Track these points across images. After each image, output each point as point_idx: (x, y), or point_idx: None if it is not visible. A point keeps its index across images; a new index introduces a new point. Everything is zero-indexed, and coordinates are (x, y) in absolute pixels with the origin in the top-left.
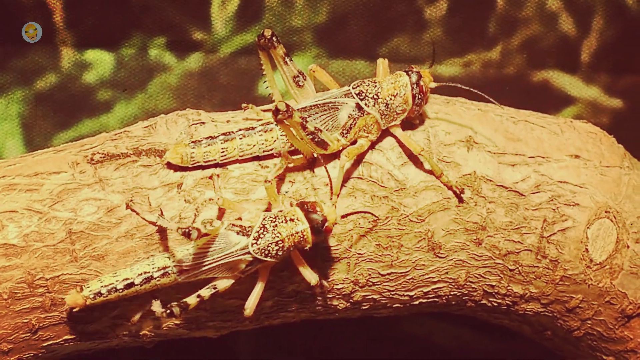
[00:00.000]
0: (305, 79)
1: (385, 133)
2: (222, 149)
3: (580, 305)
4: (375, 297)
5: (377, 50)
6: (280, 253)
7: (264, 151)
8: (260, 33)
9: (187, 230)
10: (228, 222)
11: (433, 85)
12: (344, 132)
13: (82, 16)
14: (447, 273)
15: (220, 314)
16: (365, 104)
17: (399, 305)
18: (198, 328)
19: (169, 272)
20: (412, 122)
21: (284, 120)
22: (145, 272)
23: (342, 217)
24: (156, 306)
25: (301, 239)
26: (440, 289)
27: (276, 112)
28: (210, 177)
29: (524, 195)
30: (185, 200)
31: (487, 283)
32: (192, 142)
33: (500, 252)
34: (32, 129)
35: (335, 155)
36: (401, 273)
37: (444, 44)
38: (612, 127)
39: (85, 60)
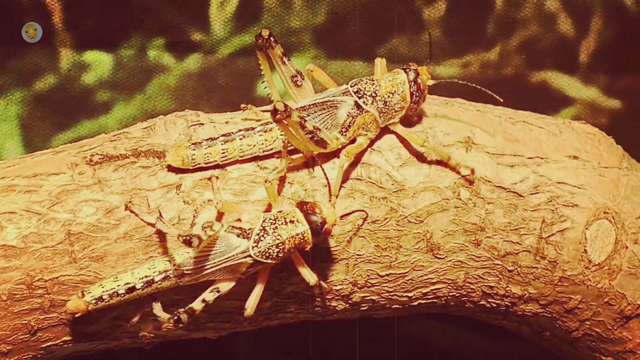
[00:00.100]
0: (303, 79)
1: (385, 131)
2: (223, 150)
3: (578, 306)
4: (374, 298)
5: (375, 51)
6: (281, 255)
7: (264, 151)
8: (258, 33)
9: (188, 238)
10: (228, 225)
11: (431, 82)
12: (343, 130)
13: (81, 17)
14: (445, 274)
15: (218, 315)
16: (364, 102)
17: (397, 306)
18: (197, 329)
19: (170, 275)
20: (410, 119)
21: (283, 120)
22: (146, 276)
23: (341, 217)
24: (157, 309)
25: (301, 240)
26: (439, 289)
27: (274, 112)
28: (209, 179)
29: (523, 196)
30: (184, 201)
31: (486, 284)
32: (193, 144)
33: (499, 253)
34: (31, 130)
35: (335, 154)
36: (400, 274)
37: (443, 45)
38: (611, 128)
39: (84, 61)
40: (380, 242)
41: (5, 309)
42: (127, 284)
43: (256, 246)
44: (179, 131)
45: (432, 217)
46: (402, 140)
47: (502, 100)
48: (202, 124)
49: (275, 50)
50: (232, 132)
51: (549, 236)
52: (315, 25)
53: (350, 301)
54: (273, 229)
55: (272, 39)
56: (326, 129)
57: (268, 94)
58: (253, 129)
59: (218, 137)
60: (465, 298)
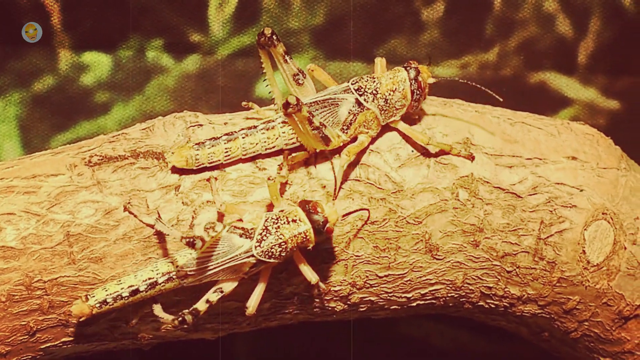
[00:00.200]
0: (305, 77)
1: (386, 129)
2: (226, 149)
3: (577, 307)
4: (372, 299)
5: (374, 52)
6: (283, 254)
7: (266, 149)
8: (261, 31)
9: (191, 240)
10: (230, 225)
11: (431, 81)
12: (344, 128)
13: (79, 18)
14: (444, 275)
15: (218, 316)
16: (365, 100)
17: (396, 307)
18: (196, 330)
19: (174, 277)
20: (411, 117)
21: (293, 114)
22: (149, 278)
23: (343, 216)
24: (158, 311)
25: (304, 239)
26: (438, 290)
27: (286, 105)
28: (208, 180)
29: (521, 197)
30: (182, 202)
31: (485, 285)
32: (196, 144)
33: (497, 254)
34: (29, 131)
35: (336, 152)
36: (399, 275)
37: (441, 46)
38: (609, 129)
39: (82, 62)
40: (379, 243)
41: (4, 310)
42: (131, 286)
43: (259, 246)
44: (178, 132)
45: (431, 218)
46: (405, 138)
47: (501, 99)
48: (201, 125)
49: (277, 49)
50: (235, 131)
51: (548, 237)
52: (313, 26)
53: (349, 302)
54: (275, 228)
55: (274, 37)
56: (328, 126)
57: (270, 92)
58: (255, 127)
59: (221, 137)
60: (463, 299)
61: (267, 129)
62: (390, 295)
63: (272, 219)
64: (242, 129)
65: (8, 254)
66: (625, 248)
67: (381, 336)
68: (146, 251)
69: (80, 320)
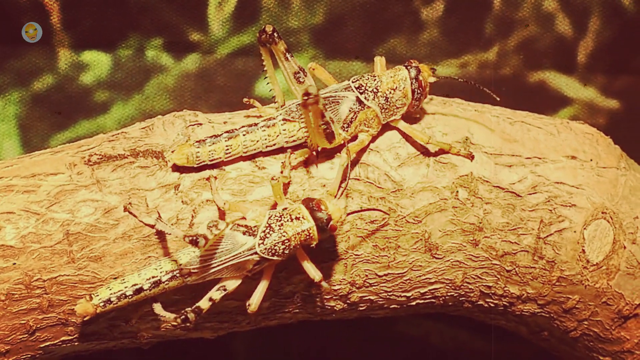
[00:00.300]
0: (306, 76)
1: (386, 128)
2: (227, 146)
3: (576, 306)
4: (372, 298)
5: (373, 51)
6: (287, 251)
7: (266, 146)
8: (262, 29)
9: (194, 238)
10: (233, 223)
11: (432, 80)
12: (345, 126)
13: (79, 17)
14: (444, 274)
15: (217, 315)
16: (365, 98)
17: (396, 306)
18: (195, 329)
19: (177, 275)
20: (412, 116)
21: (310, 106)
22: (153, 277)
23: (349, 213)
24: (158, 309)
25: (307, 237)
26: (437, 289)
27: (306, 95)
28: (208, 179)
29: (521, 196)
30: (182, 201)
31: (484, 284)
32: (197, 141)
33: (497, 253)
34: (29, 130)
35: (337, 150)
36: (398, 274)
37: (441, 45)
38: (609, 128)
39: (82, 62)
40: (378, 242)
41: (3, 308)
42: (135, 285)
43: (262, 243)
44: (178, 131)
45: (431, 217)
46: (405, 137)
47: (498, 99)
48: (201, 124)
49: (278, 46)
50: (236, 129)
51: (547, 236)
52: (313, 26)
53: (348, 301)
54: (279, 225)
55: (275, 34)
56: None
57: (270, 90)
58: (256, 124)
59: (222, 134)
60: (463, 298)
61: (268, 127)
62: (389, 294)
63: (275, 216)
64: (243, 127)
65: (7, 253)
66: (624, 247)
67: (380, 335)
68: (146, 250)
69: (85, 319)
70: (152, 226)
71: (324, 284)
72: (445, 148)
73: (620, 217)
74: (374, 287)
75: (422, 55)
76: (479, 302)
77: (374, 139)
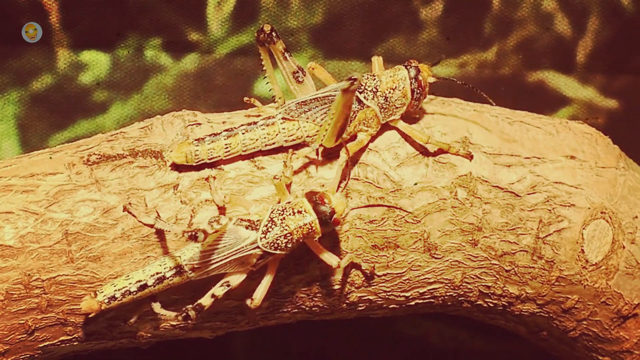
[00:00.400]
0: (304, 75)
1: (385, 128)
2: (226, 144)
3: (576, 306)
4: (371, 297)
5: (372, 51)
6: (289, 245)
7: (266, 145)
8: (260, 28)
9: (193, 233)
10: (237, 217)
11: (432, 80)
12: None
13: (78, 17)
14: (443, 274)
15: (216, 314)
16: (364, 97)
17: (395, 306)
18: (194, 329)
19: (181, 271)
20: (411, 116)
21: (351, 93)
22: (157, 273)
23: (352, 209)
24: (157, 308)
25: (310, 230)
26: (436, 289)
27: (351, 80)
28: (207, 179)
29: (520, 196)
30: (181, 201)
31: (483, 284)
32: (196, 140)
33: (496, 253)
34: (28, 130)
35: (334, 154)
36: (397, 274)
37: (440, 45)
38: (608, 128)
39: (81, 61)
40: (377, 242)
41: (2, 308)
42: (139, 281)
43: (264, 237)
44: (177, 131)
45: (430, 217)
46: (404, 137)
47: (494, 104)
48: (200, 124)
49: (277, 46)
50: (235, 127)
51: (546, 236)
52: (312, 25)
53: (347, 301)
54: (281, 219)
55: (274, 34)
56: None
57: (270, 90)
58: (255, 123)
59: (221, 132)
60: (462, 298)
61: (267, 125)
62: (388, 294)
63: (278, 210)
64: (242, 125)
65: (6, 253)
66: (623, 247)
67: (380, 335)
68: (145, 250)
69: (90, 316)
70: (151, 226)
71: (342, 266)
72: (444, 148)
73: (619, 217)
74: (373, 287)
75: (421, 55)
76: (478, 302)
77: (373, 138)
